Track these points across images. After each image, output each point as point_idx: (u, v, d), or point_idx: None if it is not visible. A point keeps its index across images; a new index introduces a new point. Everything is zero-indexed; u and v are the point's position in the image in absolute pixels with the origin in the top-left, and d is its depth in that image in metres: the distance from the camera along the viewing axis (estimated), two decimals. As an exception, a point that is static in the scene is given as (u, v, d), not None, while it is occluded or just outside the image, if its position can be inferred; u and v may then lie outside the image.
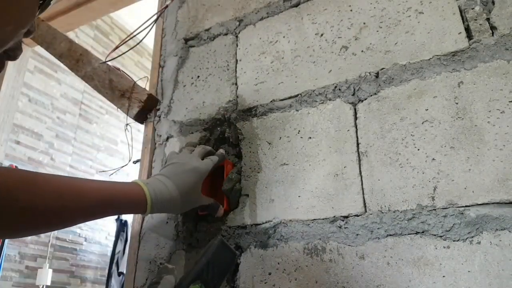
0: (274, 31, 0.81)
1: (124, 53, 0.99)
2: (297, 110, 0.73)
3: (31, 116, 3.14)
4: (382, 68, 0.67)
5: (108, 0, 1.25)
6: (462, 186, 0.55)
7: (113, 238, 3.56)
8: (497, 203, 0.52)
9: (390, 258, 0.56)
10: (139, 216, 0.84)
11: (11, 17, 0.35)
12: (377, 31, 0.69)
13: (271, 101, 0.76)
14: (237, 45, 0.86)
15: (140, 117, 0.93)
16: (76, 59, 1.04)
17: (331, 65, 0.72)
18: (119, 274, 3.35)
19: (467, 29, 0.62)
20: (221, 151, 0.74)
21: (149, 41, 1.06)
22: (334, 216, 0.63)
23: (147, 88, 0.96)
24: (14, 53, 0.41)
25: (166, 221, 0.80)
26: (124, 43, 0.95)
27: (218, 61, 0.87)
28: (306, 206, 0.66)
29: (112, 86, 0.95)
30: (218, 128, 0.81)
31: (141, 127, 0.95)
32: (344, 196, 0.63)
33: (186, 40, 0.95)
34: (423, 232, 0.55)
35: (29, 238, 3.00)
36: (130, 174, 3.50)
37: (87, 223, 3.46)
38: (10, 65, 1.42)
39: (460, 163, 0.56)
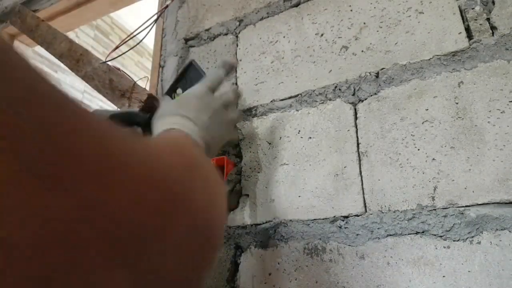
0: (274, 31, 0.81)
1: (124, 53, 0.99)
2: (297, 110, 0.73)
3: (31, 116, 3.14)
4: (382, 68, 0.67)
5: (108, 0, 1.25)
6: (462, 186, 0.55)
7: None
8: (497, 203, 0.52)
9: (390, 258, 0.56)
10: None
11: None
12: (377, 31, 0.69)
13: (271, 101, 0.76)
14: (237, 45, 0.86)
15: (140, 117, 0.93)
16: (76, 59, 1.04)
17: (331, 65, 0.72)
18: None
19: (467, 29, 0.61)
20: None
21: (149, 41, 1.06)
22: (334, 216, 0.63)
23: (148, 88, 0.96)
24: None
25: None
26: (124, 43, 0.95)
27: (218, 61, 0.87)
28: (306, 206, 0.66)
29: (112, 86, 0.95)
30: (218, 128, 0.81)
31: (141, 127, 0.95)
32: (344, 196, 0.63)
33: (186, 40, 0.95)
34: (423, 232, 0.55)
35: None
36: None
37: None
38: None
39: (460, 163, 0.56)
